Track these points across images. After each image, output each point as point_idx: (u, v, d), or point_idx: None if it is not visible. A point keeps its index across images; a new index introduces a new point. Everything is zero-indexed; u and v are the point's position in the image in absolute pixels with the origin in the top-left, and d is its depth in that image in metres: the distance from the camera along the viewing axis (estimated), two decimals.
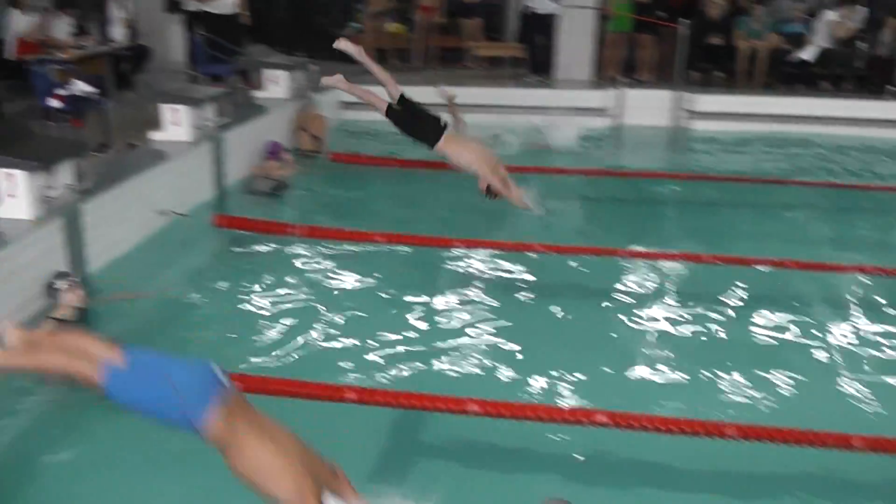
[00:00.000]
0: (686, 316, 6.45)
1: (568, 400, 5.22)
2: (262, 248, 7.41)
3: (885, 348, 6.06)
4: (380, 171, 9.81)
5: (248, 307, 6.34)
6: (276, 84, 11.00)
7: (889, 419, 5.08)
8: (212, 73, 11.57)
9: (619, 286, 6.90)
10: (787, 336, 6.21)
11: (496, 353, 5.79)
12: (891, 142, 12.13)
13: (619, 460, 4.68)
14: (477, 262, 7.33)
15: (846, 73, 13.61)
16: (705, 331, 6.25)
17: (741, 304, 6.67)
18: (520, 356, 5.75)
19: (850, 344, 6.10)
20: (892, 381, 5.59)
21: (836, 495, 4.51)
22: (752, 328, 6.31)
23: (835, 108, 12.75)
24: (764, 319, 6.42)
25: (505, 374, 5.51)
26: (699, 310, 6.53)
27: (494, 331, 6.12)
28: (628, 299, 6.70)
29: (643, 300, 6.68)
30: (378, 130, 10.04)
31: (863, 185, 10.16)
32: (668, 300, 6.71)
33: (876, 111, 12.80)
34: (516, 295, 6.78)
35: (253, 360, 5.48)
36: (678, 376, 5.56)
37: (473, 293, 6.73)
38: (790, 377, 5.54)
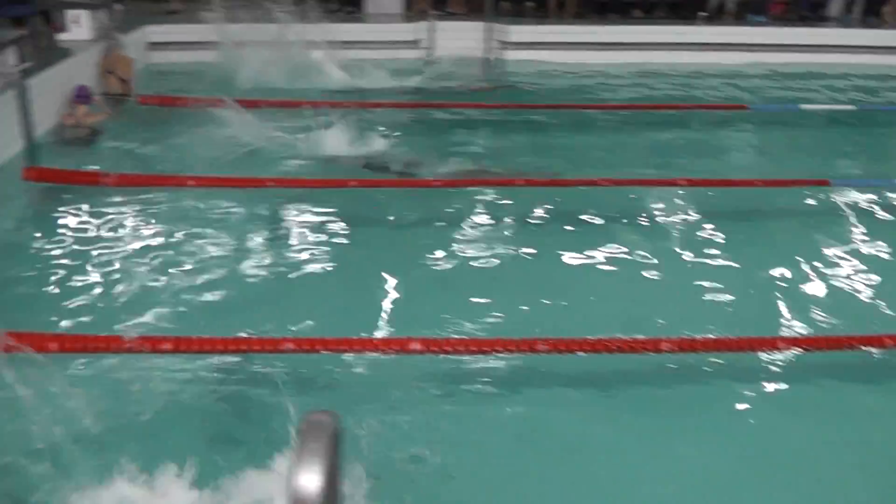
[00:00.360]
0: (503, 240, 6.43)
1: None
2: (75, 200, 6.84)
3: (708, 254, 6.32)
4: (191, 112, 9.25)
5: (62, 262, 5.81)
6: (79, 25, 10.38)
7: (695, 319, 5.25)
8: (11, 14, 10.57)
9: (426, 215, 6.83)
10: (610, 252, 6.29)
11: (291, 287, 5.63)
12: (698, 65, 12.58)
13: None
14: (293, 202, 7.02)
15: (658, 1, 14.03)
16: (517, 255, 6.21)
17: (552, 221, 6.84)
18: (306, 291, 5.60)
19: (679, 253, 6.31)
20: (710, 283, 5.81)
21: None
22: (565, 248, 6.31)
23: (648, 34, 13.09)
24: (583, 236, 6.54)
25: (301, 312, 5.21)
26: (511, 233, 6.56)
27: (300, 267, 5.91)
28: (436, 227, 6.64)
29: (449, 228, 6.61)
30: (188, 70, 9.82)
31: (671, 105, 10.61)
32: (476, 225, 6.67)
33: (689, 36, 13.24)
34: (328, 231, 6.52)
35: (68, 317, 5.02)
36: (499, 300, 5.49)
37: (294, 232, 6.49)
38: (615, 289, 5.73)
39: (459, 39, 12.71)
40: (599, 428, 4.23)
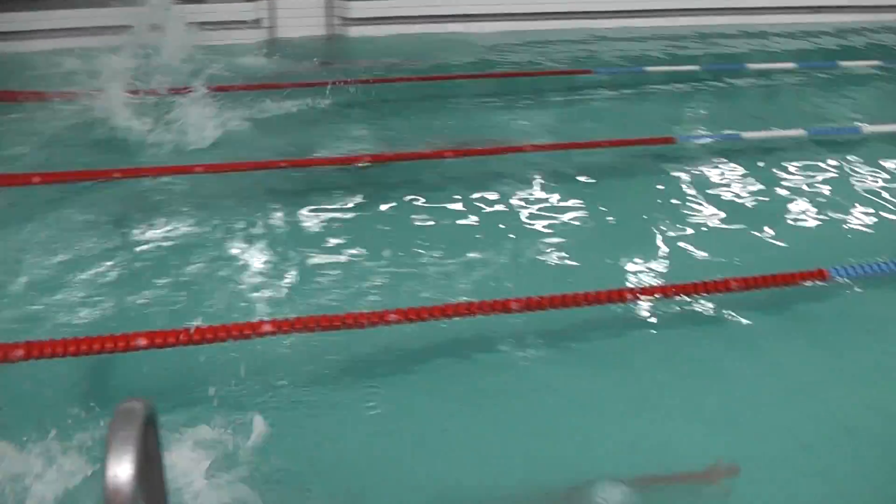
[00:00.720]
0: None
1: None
2: None
3: (558, 216, 6.58)
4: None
5: None
6: None
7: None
8: None
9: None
10: (467, 222, 6.48)
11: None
12: (544, 32, 12.80)
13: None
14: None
15: None
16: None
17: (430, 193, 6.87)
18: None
19: (535, 215, 6.55)
20: (561, 241, 6.12)
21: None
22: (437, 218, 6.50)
23: (494, 4, 13.13)
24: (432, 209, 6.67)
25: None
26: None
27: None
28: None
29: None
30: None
31: (520, 73, 10.74)
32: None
33: (534, 6, 13.35)
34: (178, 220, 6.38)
35: None
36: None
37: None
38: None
39: (302, 17, 12.47)
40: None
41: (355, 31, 12.52)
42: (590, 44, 12.61)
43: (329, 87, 9.22)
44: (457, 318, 4.80)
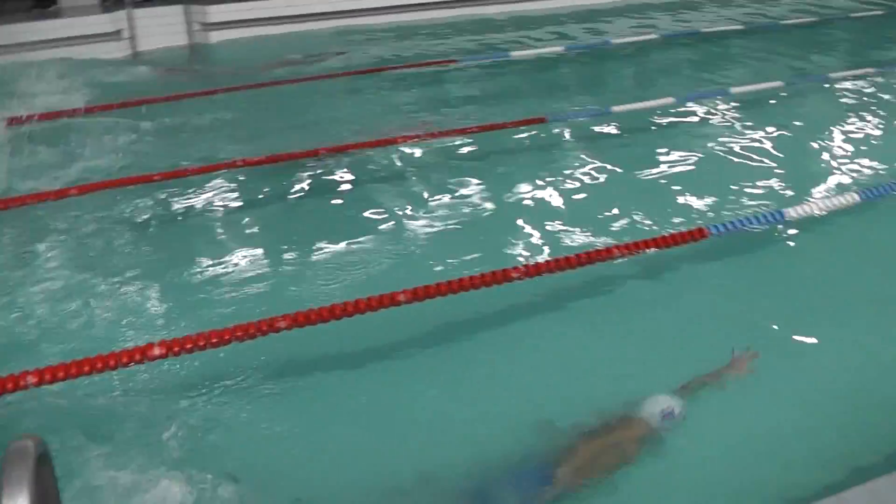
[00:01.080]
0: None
1: None
2: None
3: (444, 200, 6.66)
4: None
5: None
6: None
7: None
8: None
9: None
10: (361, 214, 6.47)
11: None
12: (406, 23, 12.90)
13: None
14: None
15: None
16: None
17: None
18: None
19: (422, 201, 6.62)
20: (448, 226, 6.21)
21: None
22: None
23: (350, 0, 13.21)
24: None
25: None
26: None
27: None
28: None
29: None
30: None
31: (387, 67, 10.68)
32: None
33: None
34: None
35: None
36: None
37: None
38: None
39: (162, 26, 12.26)
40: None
41: (217, 37, 12.38)
42: (453, 34, 12.76)
43: (191, 98, 9.13)
44: (346, 318, 4.77)
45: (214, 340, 4.45)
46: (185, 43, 12.41)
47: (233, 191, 6.84)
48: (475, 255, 5.67)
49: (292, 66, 10.61)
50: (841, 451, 3.89)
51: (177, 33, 12.36)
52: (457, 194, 6.72)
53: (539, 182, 6.95)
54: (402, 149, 7.55)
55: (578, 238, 5.96)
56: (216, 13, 12.44)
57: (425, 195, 6.69)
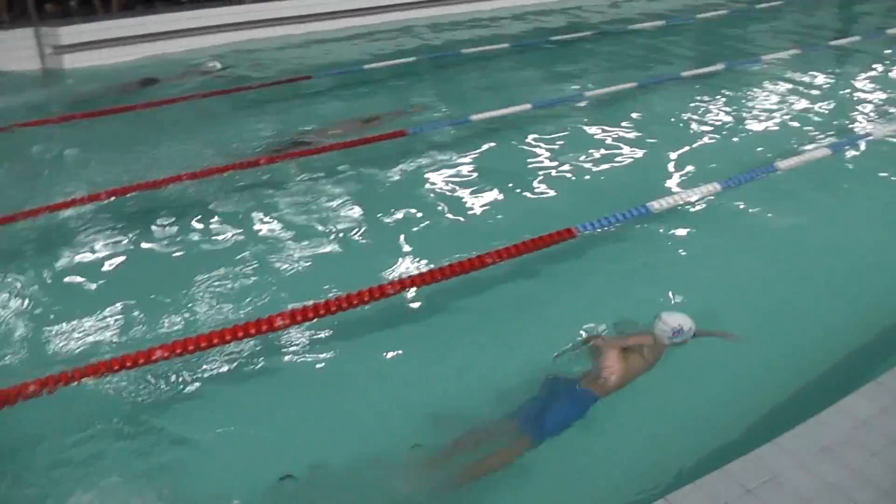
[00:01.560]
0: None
1: None
2: None
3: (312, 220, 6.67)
4: None
5: None
6: None
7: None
8: None
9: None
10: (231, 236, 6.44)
11: None
12: (256, 41, 12.76)
13: None
14: None
15: None
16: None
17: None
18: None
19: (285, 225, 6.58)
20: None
21: None
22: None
23: (199, 18, 13.11)
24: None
25: None
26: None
27: None
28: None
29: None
30: None
31: (243, 87, 10.56)
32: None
33: (242, 15, 13.46)
34: None
35: None
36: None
37: None
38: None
39: (13, 49, 11.79)
40: None
41: (70, 61, 11.98)
42: (307, 49, 12.77)
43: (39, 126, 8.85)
44: (222, 344, 4.78)
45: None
46: (38, 67, 11.98)
47: (86, 226, 6.67)
48: (349, 273, 5.73)
49: (141, 91, 10.39)
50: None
51: (29, 57, 11.89)
52: (325, 212, 6.74)
53: (406, 195, 7.06)
54: (267, 169, 7.51)
55: (450, 248, 6.05)
56: (68, 35, 12.06)
57: (292, 215, 6.68)
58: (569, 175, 7.44)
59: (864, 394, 4.06)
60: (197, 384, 4.64)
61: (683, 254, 5.97)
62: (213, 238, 6.38)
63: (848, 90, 10.24)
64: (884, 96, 9.91)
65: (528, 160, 7.82)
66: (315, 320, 5.04)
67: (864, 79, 10.77)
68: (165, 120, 9.29)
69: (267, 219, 6.64)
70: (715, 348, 4.76)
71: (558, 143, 8.27)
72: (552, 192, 7.10)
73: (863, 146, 8.05)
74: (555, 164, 7.71)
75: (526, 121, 8.93)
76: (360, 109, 9.30)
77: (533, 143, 8.26)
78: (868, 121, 8.93)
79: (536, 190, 7.16)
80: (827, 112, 9.29)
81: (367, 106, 9.53)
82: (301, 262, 5.96)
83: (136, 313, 5.32)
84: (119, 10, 13.30)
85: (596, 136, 8.42)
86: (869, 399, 4.02)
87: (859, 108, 9.47)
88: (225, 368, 4.76)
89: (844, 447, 3.69)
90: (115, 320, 5.25)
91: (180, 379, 4.66)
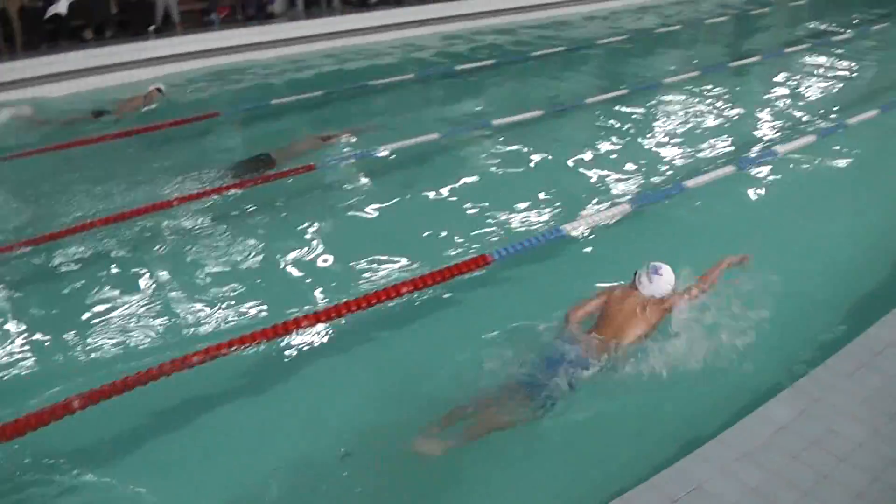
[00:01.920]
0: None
1: None
2: None
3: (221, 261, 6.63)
4: None
5: None
6: None
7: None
8: None
9: None
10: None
11: None
12: (162, 78, 12.58)
13: None
14: None
15: (105, 20, 13.89)
16: None
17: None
18: None
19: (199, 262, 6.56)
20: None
21: None
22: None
23: (106, 56, 12.88)
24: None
25: None
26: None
27: None
28: None
29: None
30: None
31: (149, 127, 10.27)
32: None
33: (147, 52, 13.32)
34: None
35: None
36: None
37: None
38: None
39: None
40: None
41: None
42: (212, 83, 12.65)
43: None
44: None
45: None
46: None
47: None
48: (260, 309, 5.71)
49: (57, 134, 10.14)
50: None
51: None
52: (234, 251, 6.68)
53: (316, 229, 7.05)
54: (177, 211, 7.40)
55: (365, 279, 6.08)
56: None
57: (200, 255, 6.62)
58: (481, 203, 7.51)
59: (783, 399, 4.19)
60: None
61: (597, 275, 6.06)
62: (121, 281, 6.29)
63: (750, 108, 10.60)
64: (784, 114, 10.27)
65: (440, 190, 7.89)
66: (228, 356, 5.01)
67: (766, 97, 11.16)
68: (71, 162, 9.09)
69: (169, 259, 6.60)
70: (637, 361, 4.84)
71: (468, 171, 8.37)
72: (466, 221, 7.17)
73: (767, 163, 8.31)
74: (466, 193, 7.80)
75: (434, 150, 9.00)
76: (268, 143, 9.21)
77: (442, 172, 8.33)
78: (770, 138, 9.24)
79: (450, 219, 7.22)
80: (731, 130, 9.62)
81: (274, 139, 9.44)
82: (206, 300, 5.93)
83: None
84: (20, 48, 13.01)
85: (506, 164, 8.54)
86: (787, 404, 4.14)
87: (761, 125, 9.80)
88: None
89: (766, 452, 3.80)
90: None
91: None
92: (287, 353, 5.25)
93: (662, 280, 5.07)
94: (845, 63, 13.31)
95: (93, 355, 5.33)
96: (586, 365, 4.56)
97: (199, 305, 5.85)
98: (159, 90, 11.25)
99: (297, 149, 8.77)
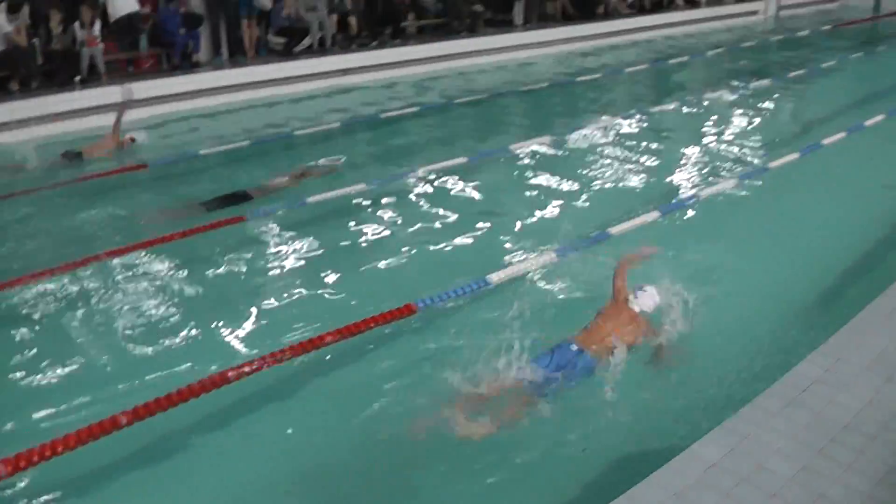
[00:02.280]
0: None
1: None
2: None
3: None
4: None
5: None
6: None
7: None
8: None
9: None
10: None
11: None
12: (77, 133, 12.44)
13: None
14: None
15: (31, 71, 13.73)
16: None
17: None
18: None
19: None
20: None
21: None
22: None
23: (27, 108, 12.77)
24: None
25: None
26: None
27: None
28: None
29: None
30: None
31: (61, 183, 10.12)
32: None
33: (68, 103, 13.18)
34: None
35: None
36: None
37: None
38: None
39: None
40: None
41: None
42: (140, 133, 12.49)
43: None
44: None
45: None
46: None
47: None
48: (189, 364, 5.66)
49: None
50: None
51: None
52: (161, 308, 6.60)
53: (245, 281, 7.04)
54: (104, 265, 7.30)
55: (289, 329, 6.06)
56: None
57: (125, 313, 6.52)
58: (407, 252, 7.55)
59: (712, 438, 4.23)
60: None
61: (522, 324, 6.07)
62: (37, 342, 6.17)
63: (672, 153, 10.85)
64: (706, 158, 10.50)
65: (366, 239, 7.93)
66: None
67: (687, 141, 11.41)
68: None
69: (87, 318, 6.50)
70: (564, 406, 4.87)
71: (395, 220, 8.40)
72: (391, 270, 7.20)
73: (690, 206, 8.50)
74: (393, 242, 7.83)
75: (361, 200, 9.02)
76: (200, 196, 9.14)
77: (370, 221, 8.37)
78: (693, 182, 9.44)
79: (375, 268, 7.24)
80: (653, 175, 9.80)
81: (204, 192, 9.36)
82: (131, 359, 5.88)
83: None
84: None
85: (432, 212, 8.58)
86: (716, 443, 4.18)
87: (684, 170, 10.00)
88: None
89: (697, 490, 3.82)
90: None
91: None
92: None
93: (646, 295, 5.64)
94: (765, 107, 13.74)
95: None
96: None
97: (121, 365, 5.78)
98: (132, 140, 11.35)
99: (275, 185, 8.97)
